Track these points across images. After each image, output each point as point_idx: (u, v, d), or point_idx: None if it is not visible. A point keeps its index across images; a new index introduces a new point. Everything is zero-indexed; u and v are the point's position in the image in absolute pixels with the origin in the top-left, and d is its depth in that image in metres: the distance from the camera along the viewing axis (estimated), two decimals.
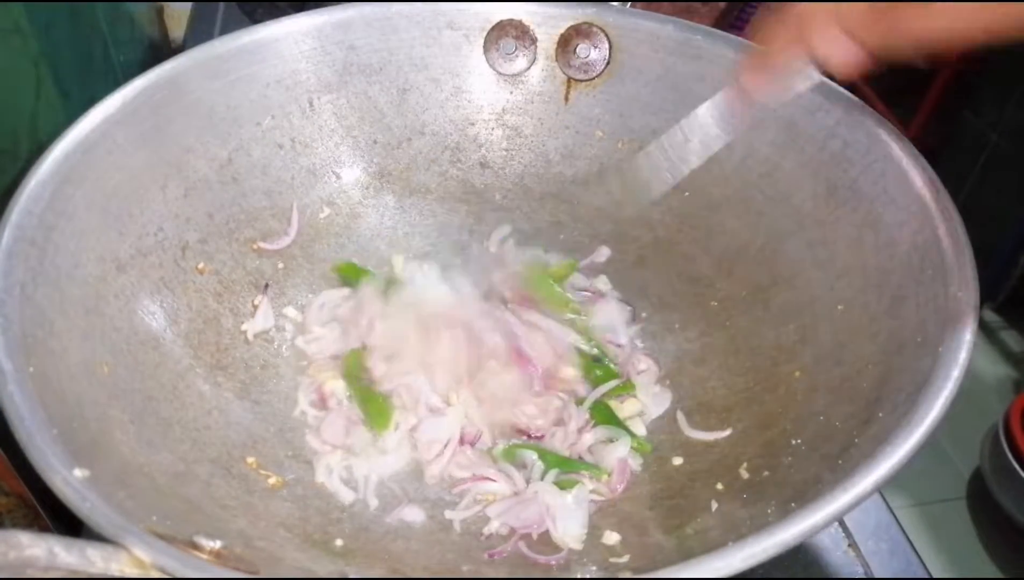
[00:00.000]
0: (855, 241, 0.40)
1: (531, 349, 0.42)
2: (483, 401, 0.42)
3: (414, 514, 0.38)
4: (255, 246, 0.46)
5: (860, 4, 0.29)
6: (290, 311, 0.47)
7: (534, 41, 0.51)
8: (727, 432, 0.40)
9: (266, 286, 0.46)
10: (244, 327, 0.44)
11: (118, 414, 0.34)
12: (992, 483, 1.04)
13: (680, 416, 0.42)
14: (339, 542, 0.35)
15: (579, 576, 0.34)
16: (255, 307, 0.45)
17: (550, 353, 0.43)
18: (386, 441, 0.41)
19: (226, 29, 0.64)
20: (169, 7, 0.75)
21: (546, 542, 0.37)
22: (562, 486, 0.38)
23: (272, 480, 0.37)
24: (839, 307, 0.39)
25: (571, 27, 0.50)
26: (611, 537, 0.36)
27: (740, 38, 0.47)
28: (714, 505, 0.35)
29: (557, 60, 0.51)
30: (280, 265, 0.47)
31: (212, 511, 0.33)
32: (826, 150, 0.43)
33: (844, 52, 0.29)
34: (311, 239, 0.49)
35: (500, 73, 0.52)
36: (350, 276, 0.48)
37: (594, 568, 0.34)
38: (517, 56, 0.51)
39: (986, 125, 1.25)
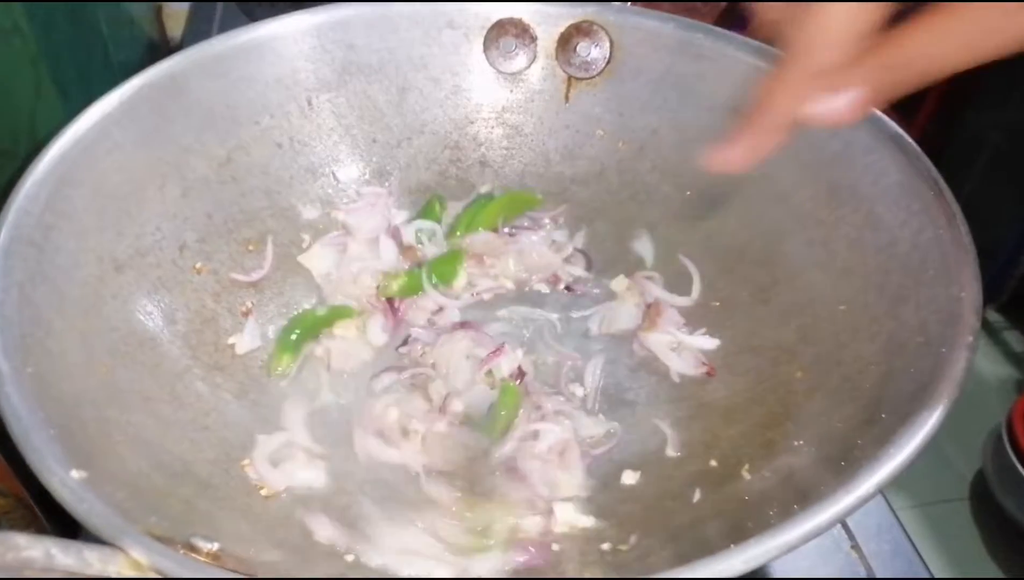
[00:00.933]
0: (856, 241, 0.40)
1: None
2: None
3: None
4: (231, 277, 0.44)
5: (855, 52, 0.26)
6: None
7: (534, 39, 0.51)
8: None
9: (247, 311, 0.44)
10: (231, 341, 0.42)
11: (116, 415, 0.34)
12: (994, 484, 1.04)
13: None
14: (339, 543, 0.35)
15: (577, 576, 0.34)
16: (244, 315, 0.44)
17: None
18: None
19: (224, 28, 0.63)
20: (167, 6, 0.75)
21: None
22: None
23: (264, 491, 0.36)
24: (840, 307, 0.39)
25: (571, 25, 0.50)
26: (605, 546, 0.36)
27: (742, 36, 0.47)
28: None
29: (557, 59, 0.51)
30: (277, 266, 0.47)
31: (210, 512, 0.33)
32: (827, 150, 0.42)
33: (852, 104, 0.26)
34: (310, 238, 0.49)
35: (500, 72, 0.52)
36: None
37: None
38: (517, 54, 0.51)
39: (988, 124, 1.25)
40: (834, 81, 0.27)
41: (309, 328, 0.44)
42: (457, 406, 0.41)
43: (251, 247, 0.46)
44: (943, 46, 0.25)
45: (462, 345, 0.43)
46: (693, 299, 0.46)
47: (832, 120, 0.27)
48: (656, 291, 0.47)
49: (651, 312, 0.46)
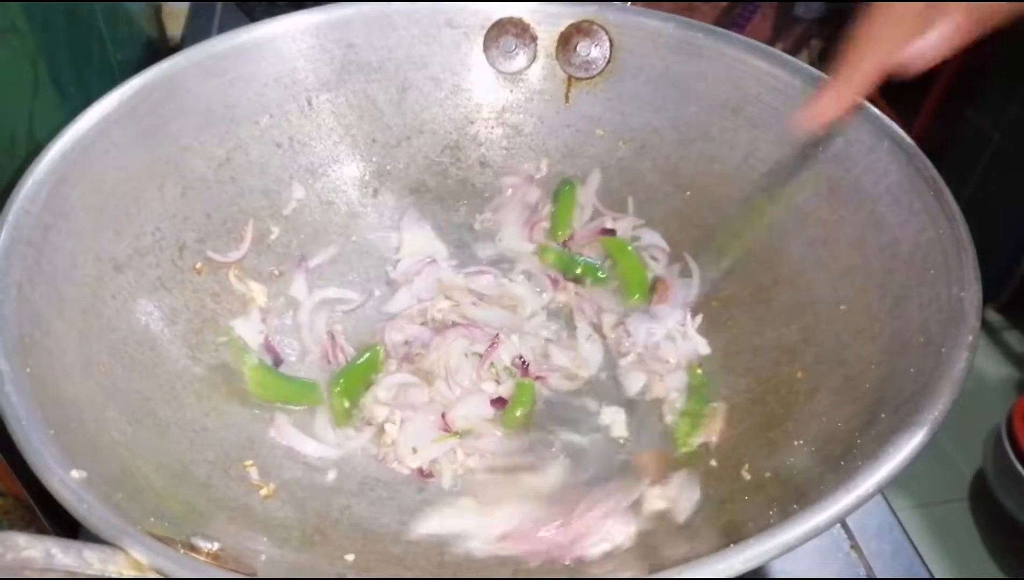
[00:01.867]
0: (857, 240, 0.40)
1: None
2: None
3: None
4: (207, 257, 0.43)
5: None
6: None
7: (534, 39, 0.51)
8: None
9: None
10: (232, 323, 0.43)
11: (115, 415, 0.33)
12: (995, 484, 1.04)
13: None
14: (338, 543, 0.35)
15: (587, 576, 0.34)
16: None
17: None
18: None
19: (224, 27, 0.64)
20: (167, 5, 0.75)
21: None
22: None
23: (264, 491, 0.36)
24: (841, 307, 0.39)
25: (572, 25, 0.50)
26: None
27: (742, 36, 0.47)
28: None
29: (557, 58, 0.51)
30: (278, 267, 0.47)
31: (210, 512, 0.33)
32: (828, 149, 0.42)
33: (942, 40, 0.28)
34: (309, 239, 0.49)
35: (500, 71, 0.51)
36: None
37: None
38: (517, 54, 0.51)
39: (989, 124, 1.24)
40: (923, 20, 0.27)
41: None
42: (461, 423, 0.40)
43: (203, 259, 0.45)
44: None
45: (458, 344, 0.43)
46: (694, 292, 0.47)
47: (925, 59, 0.28)
48: (659, 269, 0.48)
49: (660, 286, 0.47)
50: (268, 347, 0.43)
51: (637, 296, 0.47)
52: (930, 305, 0.34)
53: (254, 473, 0.37)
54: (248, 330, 0.43)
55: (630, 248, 0.49)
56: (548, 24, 0.51)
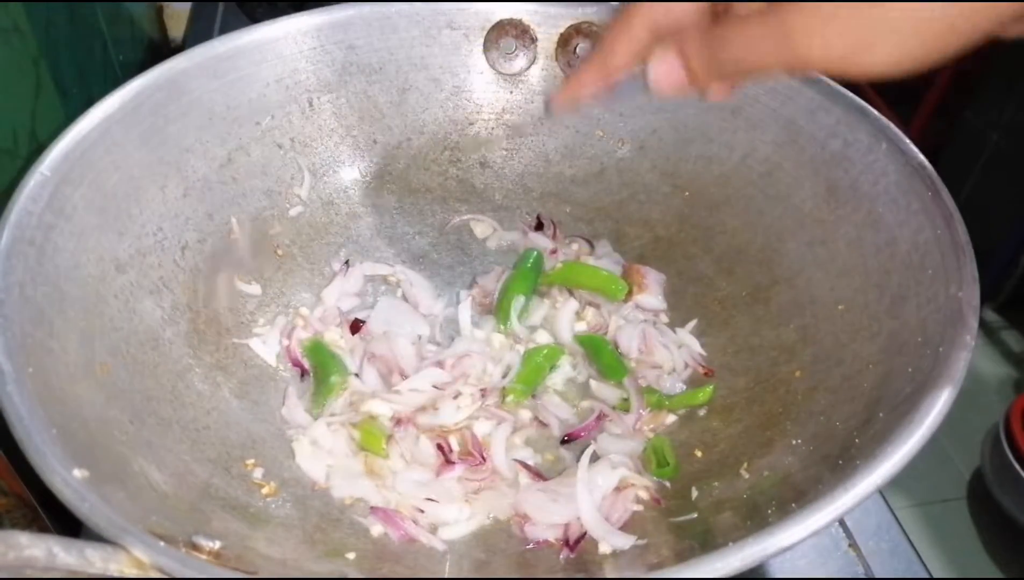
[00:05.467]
0: (856, 241, 0.40)
1: None
2: None
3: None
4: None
5: (693, 33, 0.26)
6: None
7: (534, 40, 0.51)
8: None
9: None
10: (249, 342, 0.44)
11: (117, 414, 0.34)
12: (993, 483, 1.04)
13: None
14: (339, 542, 0.35)
15: (587, 576, 0.34)
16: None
17: None
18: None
19: (226, 29, 0.64)
20: (169, 6, 0.75)
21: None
22: None
23: (265, 490, 0.36)
24: (839, 307, 0.39)
25: (571, 26, 0.50)
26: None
27: None
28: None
29: (557, 59, 0.51)
30: (279, 266, 0.47)
31: (212, 511, 0.33)
32: (827, 149, 0.43)
33: (674, 76, 0.27)
34: (310, 239, 0.49)
35: (500, 72, 0.52)
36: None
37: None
38: (517, 55, 0.51)
39: (987, 125, 1.25)
40: (669, 51, 0.27)
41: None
42: None
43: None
44: (760, 48, 0.24)
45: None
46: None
47: (657, 88, 0.27)
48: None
49: (633, 274, 0.47)
50: (292, 360, 0.44)
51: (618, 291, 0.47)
52: (928, 305, 0.34)
53: (256, 472, 0.37)
54: (266, 344, 0.44)
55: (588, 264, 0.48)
56: (548, 25, 0.51)
